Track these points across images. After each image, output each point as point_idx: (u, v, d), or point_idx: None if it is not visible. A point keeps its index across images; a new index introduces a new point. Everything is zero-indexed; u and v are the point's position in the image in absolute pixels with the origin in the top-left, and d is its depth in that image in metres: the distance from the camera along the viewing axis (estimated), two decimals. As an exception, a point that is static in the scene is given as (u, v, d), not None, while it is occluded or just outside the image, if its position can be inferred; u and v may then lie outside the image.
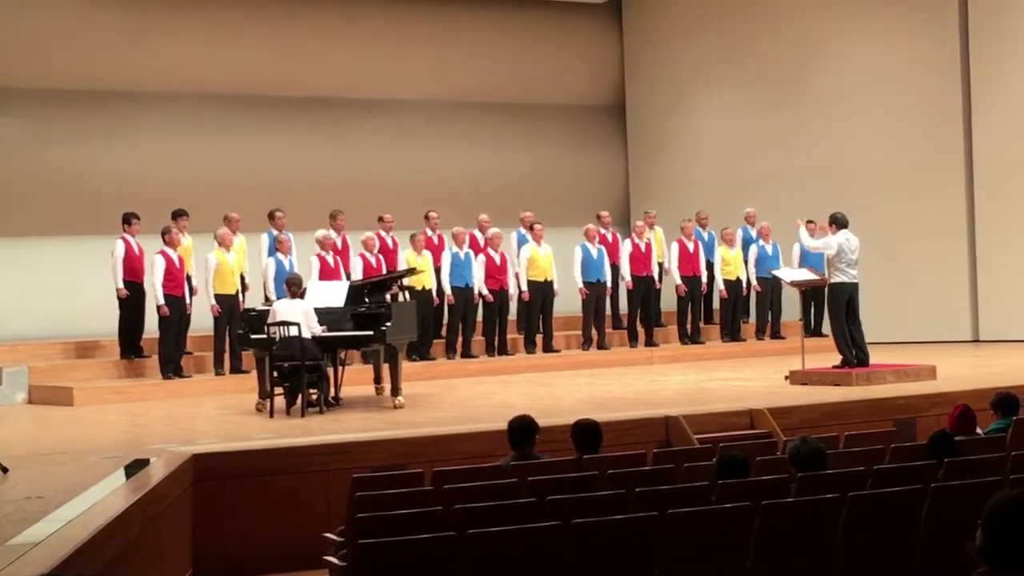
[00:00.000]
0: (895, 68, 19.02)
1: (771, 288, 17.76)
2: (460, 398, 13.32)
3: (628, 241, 17.52)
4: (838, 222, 13.37)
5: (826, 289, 13.68)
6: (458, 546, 5.42)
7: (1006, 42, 17.90)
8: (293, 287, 12.26)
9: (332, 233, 15.80)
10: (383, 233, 16.03)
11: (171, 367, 14.39)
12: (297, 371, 11.79)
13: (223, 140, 19.82)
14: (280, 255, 15.11)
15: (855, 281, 13.30)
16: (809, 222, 17.22)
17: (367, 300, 12.66)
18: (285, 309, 11.97)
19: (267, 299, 14.45)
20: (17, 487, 7.70)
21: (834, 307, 13.45)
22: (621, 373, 15.68)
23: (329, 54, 20.55)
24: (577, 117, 22.93)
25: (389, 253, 15.94)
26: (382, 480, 7.42)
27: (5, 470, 8.19)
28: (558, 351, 16.94)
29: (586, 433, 7.92)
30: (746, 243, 18.12)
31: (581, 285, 16.92)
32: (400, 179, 20.53)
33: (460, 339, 16.34)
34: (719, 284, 17.81)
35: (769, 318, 18.15)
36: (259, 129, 20.14)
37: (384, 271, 15.17)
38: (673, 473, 7.35)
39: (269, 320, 11.98)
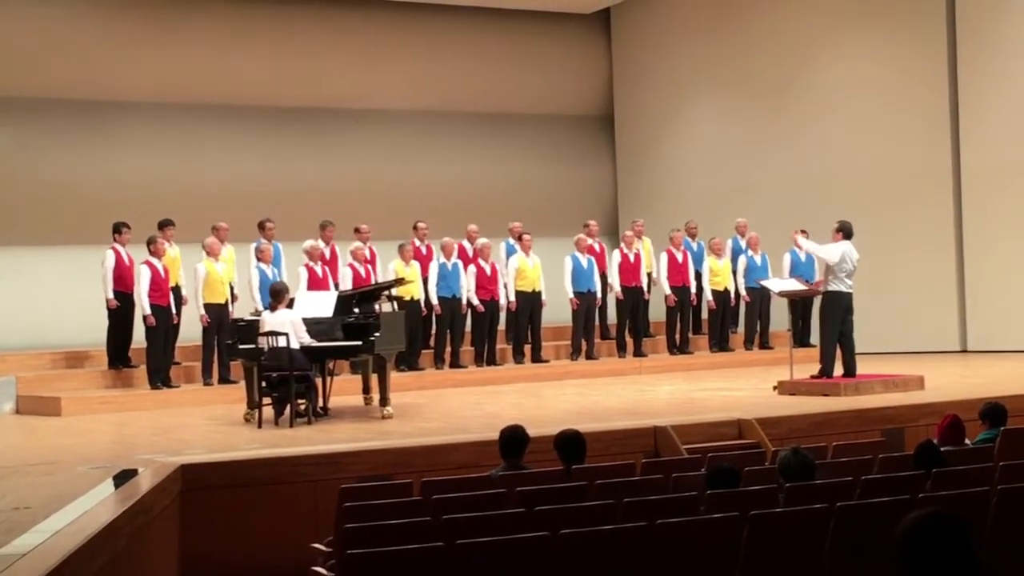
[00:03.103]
0: (883, 80, 19.06)
1: (760, 298, 17.80)
2: (448, 408, 13.31)
3: (617, 251, 17.55)
4: (844, 231, 13.36)
5: (822, 297, 13.68)
6: (447, 556, 5.42)
7: (994, 54, 17.96)
8: (275, 296, 12.24)
9: (320, 243, 15.81)
10: (361, 244, 16.00)
11: (159, 377, 14.36)
12: (285, 381, 11.77)
13: (211, 150, 19.84)
14: (263, 265, 15.05)
15: (851, 291, 13.33)
16: (801, 231, 17.29)
17: (356, 310, 12.66)
18: (273, 319, 11.96)
19: (256, 309, 14.41)
20: (4, 497, 7.67)
21: (828, 315, 13.45)
22: (609, 383, 15.68)
23: (318, 64, 20.57)
24: (565, 127, 22.97)
25: (367, 263, 15.91)
26: (370, 490, 7.42)
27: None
28: (547, 361, 16.95)
29: (570, 444, 7.90)
30: (735, 253, 18.14)
31: (571, 295, 16.94)
32: (388, 189, 20.56)
33: (448, 349, 16.34)
34: (707, 294, 17.83)
35: (758, 328, 18.19)
36: (247, 139, 20.16)
37: (373, 282, 15.17)
38: (662, 483, 7.35)
39: (259, 330, 11.98)
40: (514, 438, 7.88)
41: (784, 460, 6.91)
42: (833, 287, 13.28)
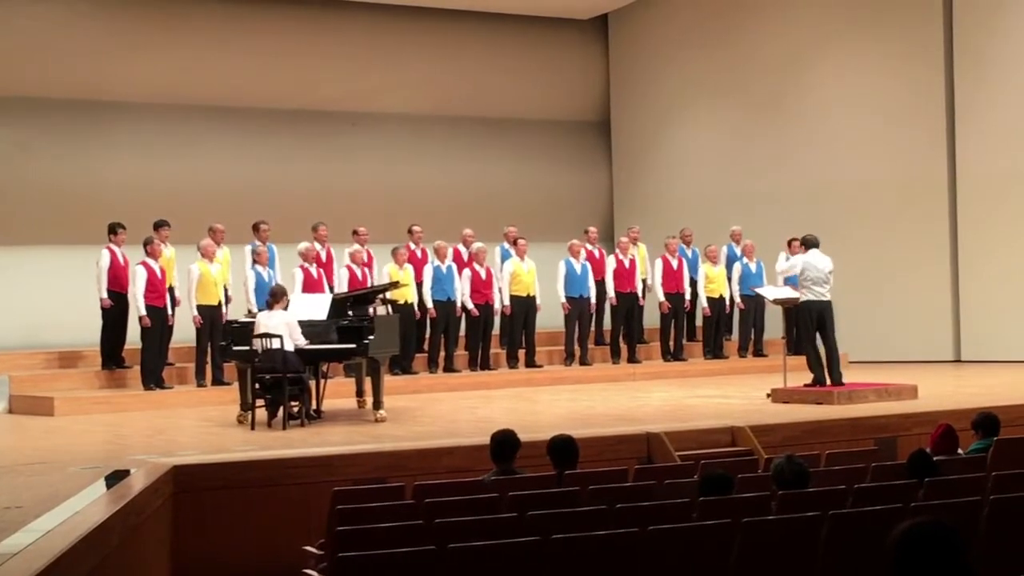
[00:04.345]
0: (879, 89, 19.08)
1: (754, 306, 17.80)
2: (442, 412, 13.30)
3: (612, 257, 17.55)
4: (806, 243, 13.58)
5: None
6: (439, 560, 5.41)
7: (990, 64, 17.97)
8: (274, 296, 12.22)
9: (316, 245, 15.81)
10: (359, 247, 16.00)
11: (153, 378, 14.35)
12: (279, 383, 11.77)
13: (208, 151, 19.83)
14: (259, 267, 15.06)
15: (824, 299, 13.36)
16: (792, 240, 17.31)
17: (350, 313, 12.65)
18: (268, 321, 11.95)
19: (249, 311, 14.41)
20: (-4, 497, 7.67)
21: (801, 325, 13.63)
22: (603, 389, 15.67)
23: (314, 67, 20.58)
24: (562, 133, 22.97)
25: (364, 266, 15.92)
26: (363, 493, 7.41)
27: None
28: (540, 366, 16.94)
29: (562, 449, 7.89)
30: (730, 261, 18.15)
31: (563, 300, 16.94)
32: (384, 192, 20.56)
33: (442, 353, 16.33)
34: (702, 301, 17.84)
35: (752, 336, 18.19)
36: (244, 141, 20.16)
37: (370, 284, 15.17)
38: (654, 490, 7.35)
39: (253, 332, 11.96)
40: (505, 442, 7.86)
41: (778, 467, 6.91)
42: (804, 297, 13.41)
